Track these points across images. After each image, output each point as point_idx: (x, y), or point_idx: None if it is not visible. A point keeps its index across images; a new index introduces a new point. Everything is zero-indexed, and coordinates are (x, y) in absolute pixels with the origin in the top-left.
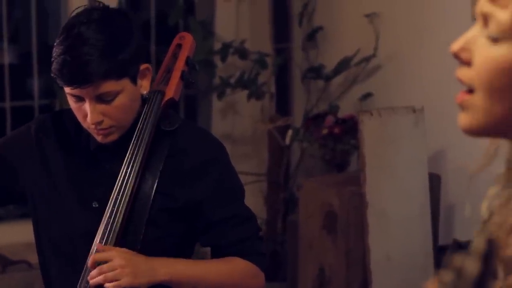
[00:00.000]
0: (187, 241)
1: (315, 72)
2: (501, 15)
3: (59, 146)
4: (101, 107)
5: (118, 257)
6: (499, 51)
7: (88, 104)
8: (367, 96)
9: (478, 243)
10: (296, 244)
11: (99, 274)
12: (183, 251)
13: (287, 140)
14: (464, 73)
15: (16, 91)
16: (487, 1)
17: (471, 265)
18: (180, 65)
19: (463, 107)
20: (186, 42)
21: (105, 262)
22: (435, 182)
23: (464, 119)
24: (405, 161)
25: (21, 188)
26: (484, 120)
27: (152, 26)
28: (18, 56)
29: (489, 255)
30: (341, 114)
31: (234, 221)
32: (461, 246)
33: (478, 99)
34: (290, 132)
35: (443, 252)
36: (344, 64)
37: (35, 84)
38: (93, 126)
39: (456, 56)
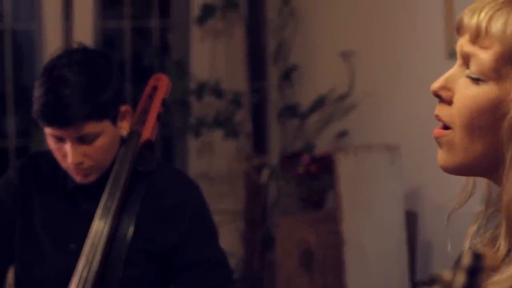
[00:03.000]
0: (164, 281)
1: (290, 110)
2: (482, 56)
3: (37, 189)
4: (82, 148)
5: None
6: (480, 91)
7: (69, 145)
8: (343, 134)
9: (466, 258)
10: (274, 282)
11: None
12: None
13: (264, 179)
14: (443, 111)
15: None
16: (468, 41)
17: (458, 278)
18: (156, 106)
19: (441, 144)
20: (162, 83)
21: None
22: (411, 219)
23: (442, 156)
24: (382, 199)
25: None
26: (463, 158)
27: (128, 66)
28: None
29: (475, 269)
30: (317, 152)
31: (206, 266)
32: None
33: (457, 137)
34: (266, 171)
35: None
36: (319, 102)
37: (11, 124)
38: (73, 166)
39: (436, 94)
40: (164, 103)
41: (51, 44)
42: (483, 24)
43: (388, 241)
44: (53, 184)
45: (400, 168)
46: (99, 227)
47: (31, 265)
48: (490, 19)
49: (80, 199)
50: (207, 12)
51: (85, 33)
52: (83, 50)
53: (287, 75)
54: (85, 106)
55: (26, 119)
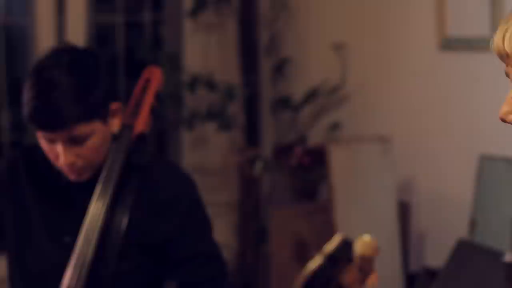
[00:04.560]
0: (158, 274)
1: (283, 102)
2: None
3: (30, 181)
4: (74, 149)
5: None
6: None
7: (61, 146)
8: (335, 126)
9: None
10: (268, 274)
11: None
12: (155, 284)
13: (257, 171)
14: None
15: None
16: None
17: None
18: (149, 99)
19: None
20: (155, 76)
21: None
22: (404, 209)
23: None
24: (374, 190)
25: None
26: None
27: (121, 59)
28: None
29: (336, 255)
30: (310, 144)
31: (200, 259)
32: (432, 273)
33: None
34: (259, 163)
35: (413, 279)
36: (312, 94)
37: (5, 119)
38: (66, 167)
39: (504, 121)
40: (157, 96)
41: (44, 38)
42: (500, 46)
43: (381, 232)
44: (47, 177)
45: (393, 160)
46: (92, 220)
47: (25, 257)
48: (503, 39)
49: (74, 193)
50: (200, 5)
51: (78, 27)
52: (71, 50)
53: (279, 68)
54: (75, 108)
55: (20, 113)
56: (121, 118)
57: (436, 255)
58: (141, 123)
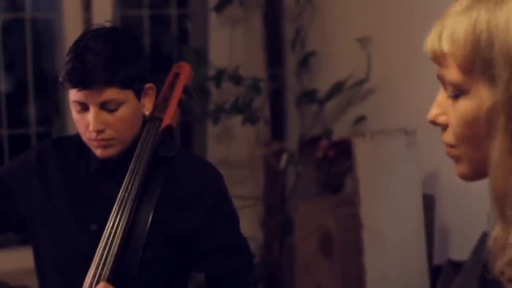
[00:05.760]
0: (183, 265)
1: (308, 96)
2: (448, 75)
3: (59, 170)
4: (104, 115)
5: None
6: (462, 106)
7: (92, 110)
8: (360, 119)
9: None
10: (293, 266)
11: None
12: (180, 274)
13: (282, 164)
14: (445, 135)
15: (13, 119)
16: (437, 65)
17: None
18: (178, 93)
19: (452, 158)
20: (184, 71)
21: None
22: (429, 202)
23: (456, 169)
24: (399, 183)
25: (20, 215)
26: (472, 167)
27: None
28: (14, 84)
29: None
30: (335, 137)
31: (227, 251)
32: (456, 265)
33: (461, 151)
34: (285, 156)
35: (438, 272)
36: (337, 88)
37: (32, 112)
38: (94, 136)
39: (434, 123)
40: (185, 90)
41: (71, 32)
42: (436, 46)
43: (406, 225)
44: (76, 166)
45: (417, 152)
46: (120, 210)
47: (52, 244)
48: (439, 39)
49: (102, 182)
50: None
51: (104, 20)
52: (112, 27)
53: (305, 61)
54: (107, 71)
55: (46, 106)
56: (153, 102)
57: (460, 248)
58: (169, 117)
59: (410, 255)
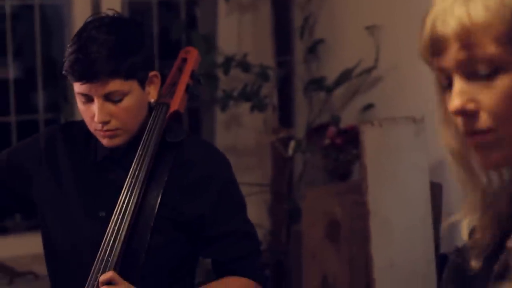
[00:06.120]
0: (191, 250)
1: (316, 84)
2: (485, 51)
3: (67, 156)
4: (109, 106)
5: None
6: (504, 83)
7: (96, 102)
8: (368, 107)
9: None
10: (300, 254)
11: None
12: (188, 260)
13: (290, 151)
14: (478, 123)
15: (21, 105)
16: (459, 49)
17: None
18: (185, 78)
19: (487, 146)
20: (191, 56)
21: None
22: (436, 190)
23: (491, 157)
24: (407, 170)
25: (31, 196)
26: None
27: (155, 41)
28: (23, 71)
29: None
30: (343, 124)
31: (234, 237)
32: (463, 254)
33: (501, 134)
34: (292, 143)
35: (445, 259)
36: (345, 76)
37: (40, 98)
38: (99, 127)
39: (462, 112)
40: (193, 75)
41: (80, 18)
42: (465, 21)
43: (413, 212)
44: (84, 153)
45: (425, 140)
46: (127, 196)
47: (60, 231)
48: (467, 13)
49: (109, 169)
50: None
51: (113, 7)
52: (114, 15)
53: (313, 49)
54: (111, 62)
55: (55, 93)
56: (158, 89)
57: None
58: (176, 102)
59: (417, 242)
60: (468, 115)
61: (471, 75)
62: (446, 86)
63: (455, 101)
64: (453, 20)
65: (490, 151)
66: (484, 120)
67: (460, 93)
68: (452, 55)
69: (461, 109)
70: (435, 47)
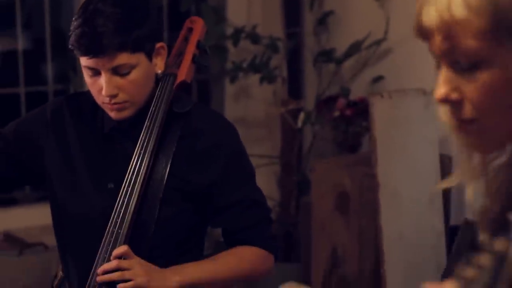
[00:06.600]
0: (200, 220)
1: (326, 55)
2: (464, 45)
3: (74, 127)
4: (116, 80)
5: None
6: (484, 77)
7: (104, 76)
8: (378, 79)
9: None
10: (309, 225)
11: (117, 266)
12: (197, 230)
13: (299, 123)
14: (461, 113)
15: (30, 77)
16: (443, 39)
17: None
18: (191, 48)
19: (471, 136)
20: (197, 25)
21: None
22: (446, 162)
23: (478, 145)
24: (416, 142)
25: (39, 168)
26: (493, 139)
27: (164, 12)
28: (32, 42)
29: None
30: (353, 96)
31: (243, 205)
32: (473, 226)
33: (482, 125)
34: (302, 115)
35: (454, 232)
36: (355, 48)
37: (49, 69)
38: (107, 100)
39: (445, 101)
40: (199, 45)
41: None
42: (445, 16)
43: (423, 185)
44: (91, 124)
45: (435, 112)
46: (136, 167)
47: (69, 203)
48: (448, 7)
49: (117, 140)
50: None
51: None
52: None
53: (322, 21)
54: (118, 36)
55: (64, 64)
56: (165, 60)
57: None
58: (183, 73)
59: (427, 215)
60: (452, 103)
61: (455, 64)
62: (437, 67)
63: (439, 89)
64: (435, 12)
65: (476, 138)
66: (468, 110)
67: (444, 82)
68: (437, 44)
69: (445, 98)
70: (422, 33)
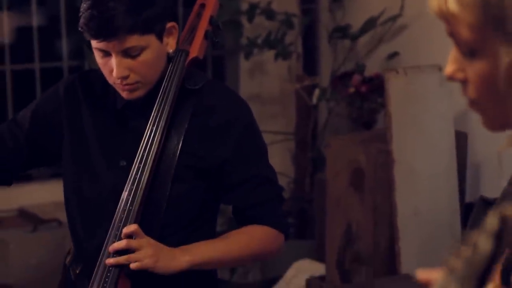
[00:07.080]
0: (212, 198)
1: (341, 31)
2: (460, 34)
3: (86, 105)
4: (127, 61)
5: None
6: (478, 66)
7: (114, 58)
8: (393, 55)
9: (492, 221)
10: (324, 202)
11: (127, 245)
12: (209, 208)
13: (314, 100)
14: (466, 91)
15: (45, 53)
16: (446, 25)
17: (484, 242)
18: (203, 24)
19: (477, 112)
20: (210, 1)
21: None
22: (461, 139)
23: (483, 123)
24: (432, 119)
25: (57, 148)
26: (494, 121)
27: None
28: (47, 18)
29: (502, 233)
30: (368, 73)
31: (255, 182)
32: (488, 203)
33: (482, 107)
34: (317, 91)
35: (470, 208)
36: (370, 24)
37: (64, 45)
38: (118, 81)
39: (452, 79)
40: (211, 21)
41: None
42: (443, 7)
43: (438, 161)
44: (103, 102)
45: (450, 89)
46: (148, 143)
47: (81, 180)
48: (445, 2)
49: (129, 117)
50: None
51: None
52: None
53: None
54: (129, 18)
55: (79, 40)
56: (176, 39)
57: (492, 185)
58: (196, 49)
59: (442, 191)
60: (460, 81)
61: (459, 47)
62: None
63: (447, 67)
64: (436, 2)
65: (482, 116)
66: (469, 91)
67: (452, 61)
68: (444, 25)
69: (450, 77)
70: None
